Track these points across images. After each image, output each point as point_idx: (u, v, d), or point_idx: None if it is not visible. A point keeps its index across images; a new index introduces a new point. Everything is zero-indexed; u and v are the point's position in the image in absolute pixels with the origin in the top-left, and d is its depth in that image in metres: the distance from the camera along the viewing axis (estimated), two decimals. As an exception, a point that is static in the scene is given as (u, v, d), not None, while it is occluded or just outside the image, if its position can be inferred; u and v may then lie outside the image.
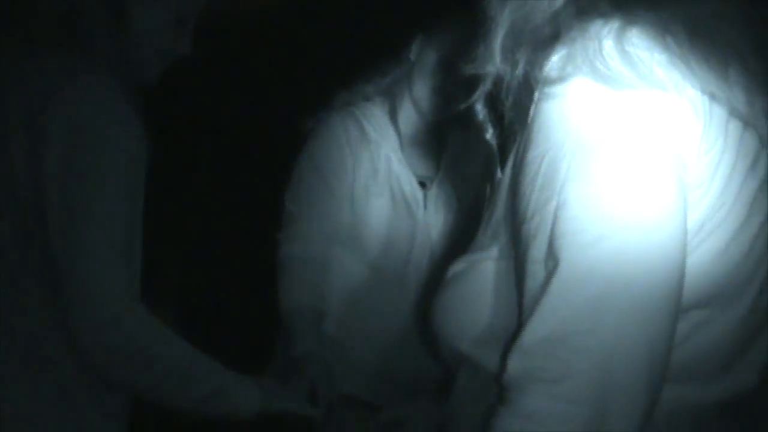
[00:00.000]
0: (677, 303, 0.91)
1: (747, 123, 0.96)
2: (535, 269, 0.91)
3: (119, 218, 1.44)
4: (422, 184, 2.13)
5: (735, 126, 0.96)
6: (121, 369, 1.46)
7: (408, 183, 2.10)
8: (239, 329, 2.98)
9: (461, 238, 2.07)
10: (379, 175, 2.08)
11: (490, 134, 2.21)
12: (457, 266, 1.07)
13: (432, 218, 2.12)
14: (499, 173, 2.15)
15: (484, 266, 1.03)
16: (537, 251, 0.91)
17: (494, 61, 1.02)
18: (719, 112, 0.95)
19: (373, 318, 2.08)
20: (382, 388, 2.03)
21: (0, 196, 1.49)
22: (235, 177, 3.15)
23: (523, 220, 0.94)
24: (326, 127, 2.13)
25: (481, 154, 2.24)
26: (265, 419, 1.61)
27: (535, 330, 0.89)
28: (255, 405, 1.58)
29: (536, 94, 0.97)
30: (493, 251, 1.03)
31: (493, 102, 1.07)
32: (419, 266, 2.08)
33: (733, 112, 0.95)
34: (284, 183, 2.13)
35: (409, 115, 2.13)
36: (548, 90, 0.95)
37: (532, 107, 0.97)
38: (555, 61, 0.96)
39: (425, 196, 2.13)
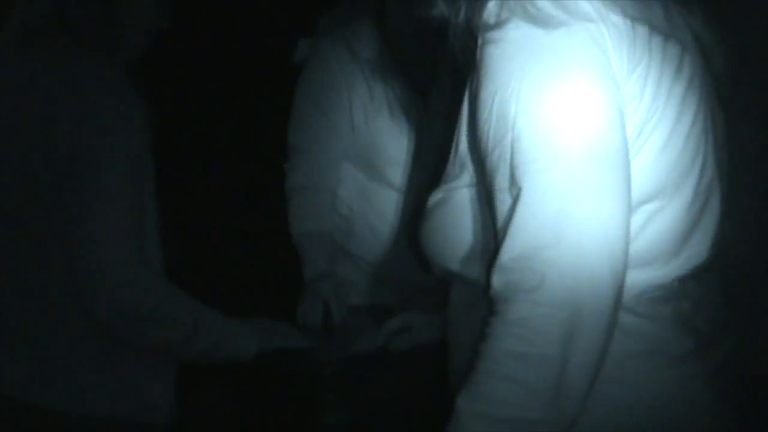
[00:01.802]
0: (627, 202, 1.03)
1: (667, 35, 1.09)
2: (503, 196, 1.04)
3: (127, 189, 1.55)
4: (421, 93, 2.15)
5: (657, 40, 1.08)
6: (132, 328, 1.57)
7: (405, 95, 2.12)
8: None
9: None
10: (375, 93, 2.11)
11: None
12: (435, 196, 1.19)
13: (435, 123, 2.11)
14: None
15: (458, 194, 1.15)
16: (501, 180, 1.04)
17: (438, 5, 1.14)
18: (642, 31, 1.07)
19: (383, 227, 2.16)
20: (391, 295, 2.13)
21: (15, 181, 1.60)
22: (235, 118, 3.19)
23: (485, 154, 1.07)
24: (317, 56, 2.15)
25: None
26: (264, 357, 1.71)
27: (509, 248, 1.02)
28: (253, 347, 1.69)
29: (479, 39, 1.08)
30: (464, 179, 1.15)
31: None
32: (427, 172, 2.07)
33: (654, 28, 1.08)
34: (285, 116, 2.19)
35: (398, 28, 2.12)
36: (489, 35, 1.06)
37: (477, 51, 1.08)
38: (491, 7, 1.07)
39: (425, 104, 2.14)
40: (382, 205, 2.15)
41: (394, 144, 2.13)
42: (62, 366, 1.63)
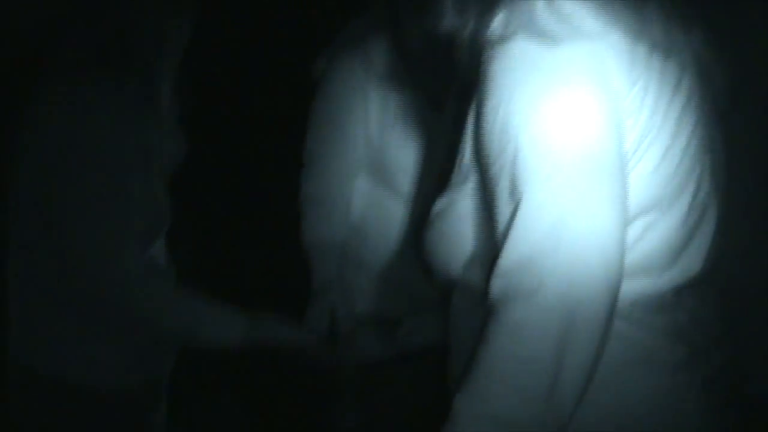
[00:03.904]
0: (624, 213, 1.07)
1: (667, 53, 1.12)
2: (503, 205, 1.08)
3: (113, 180, 1.63)
4: (436, 104, 2.15)
5: (657, 58, 1.12)
6: (109, 311, 1.66)
7: (419, 107, 2.14)
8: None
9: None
10: (390, 106, 2.14)
11: None
12: (439, 204, 1.23)
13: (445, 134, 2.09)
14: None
15: (462, 202, 1.19)
16: (503, 190, 1.08)
17: (447, 18, 1.18)
18: (642, 49, 1.11)
19: (394, 236, 2.18)
20: (399, 304, 2.15)
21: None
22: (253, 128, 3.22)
23: (487, 165, 1.11)
24: (334, 71, 2.18)
25: None
26: (256, 349, 1.72)
27: (508, 255, 1.05)
28: (237, 334, 1.71)
29: (485, 54, 1.12)
30: (468, 188, 1.19)
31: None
32: (434, 181, 2.08)
33: (654, 46, 1.11)
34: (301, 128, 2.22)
35: (410, 41, 2.11)
36: (494, 49, 1.10)
37: (483, 65, 1.13)
38: (497, 21, 1.11)
39: (439, 116, 2.14)
40: (393, 214, 2.18)
41: (407, 155, 2.16)
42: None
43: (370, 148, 2.17)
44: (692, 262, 1.19)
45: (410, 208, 2.17)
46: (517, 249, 1.05)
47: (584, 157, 1.05)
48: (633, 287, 1.13)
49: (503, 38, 1.09)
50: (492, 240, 1.12)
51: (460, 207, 1.19)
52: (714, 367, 1.20)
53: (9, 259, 1.75)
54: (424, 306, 1.92)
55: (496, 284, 1.06)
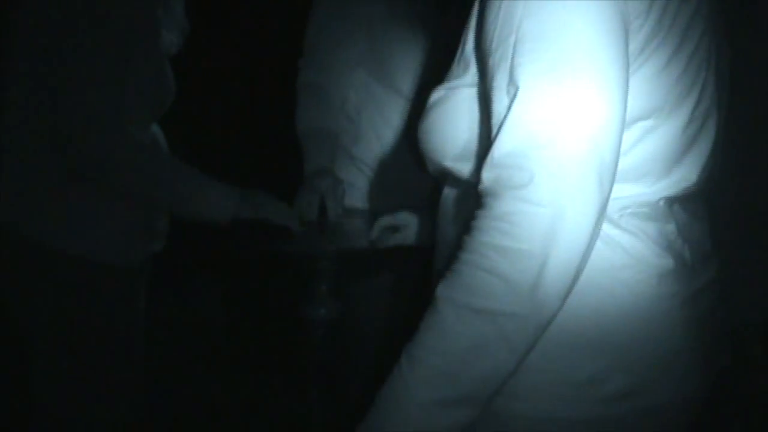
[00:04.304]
0: (622, 116, 1.05)
1: None
2: (500, 95, 1.06)
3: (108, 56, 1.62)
4: (443, 6, 2.17)
5: None
6: (105, 175, 1.66)
7: (426, 8, 2.14)
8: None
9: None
10: (397, 7, 2.13)
11: None
12: (437, 94, 1.22)
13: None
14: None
15: (459, 93, 1.18)
16: (501, 79, 1.06)
17: None
18: None
19: (389, 134, 2.18)
20: (389, 201, 2.13)
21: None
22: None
23: (488, 53, 1.08)
24: None
25: None
26: (245, 225, 1.74)
27: (501, 145, 1.04)
28: (228, 208, 1.72)
29: None
30: (466, 80, 1.17)
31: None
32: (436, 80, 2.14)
33: None
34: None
35: None
36: None
37: None
38: None
39: (444, 17, 2.16)
40: (390, 111, 2.17)
41: (410, 54, 2.14)
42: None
43: (371, 43, 2.15)
44: (688, 173, 1.18)
45: (408, 108, 2.16)
46: (510, 139, 1.03)
47: (585, 52, 1.02)
48: (625, 192, 1.13)
49: None
50: (486, 131, 1.11)
51: (457, 97, 1.18)
52: (699, 284, 1.20)
53: (4, 124, 1.74)
54: (415, 206, 1.91)
55: (487, 175, 1.05)
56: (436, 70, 2.10)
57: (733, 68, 1.27)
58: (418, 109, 2.09)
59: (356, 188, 2.19)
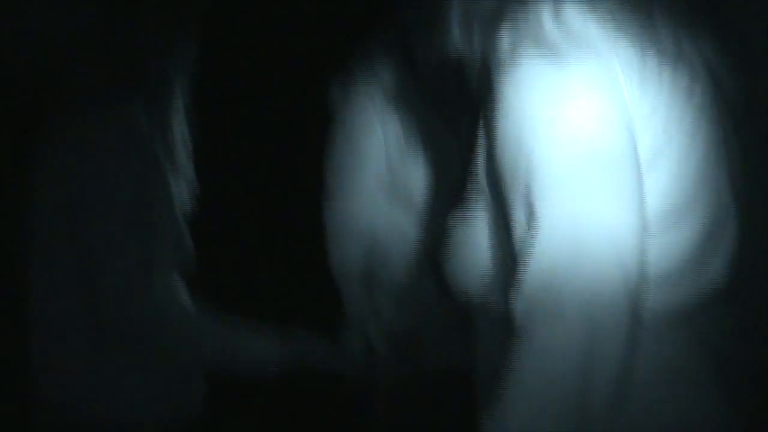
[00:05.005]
0: (641, 224, 1.06)
1: (677, 64, 1.12)
2: (518, 226, 1.08)
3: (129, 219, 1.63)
4: (452, 124, 2.14)
5: (667, 68, 1.11)
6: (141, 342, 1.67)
7: (437, 128, 2.14)
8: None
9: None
10: (409, 131, 2.16)
11: None
12: (454, 220, 1.24)
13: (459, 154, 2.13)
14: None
15: (477, 219, 1.20)
16: (518, 210, 1.08)
17: (454, 34, 1.18)
18: (651, 60, 1.10)
19: (410, 253, 2.18)
20: (415, 323, 2.16)
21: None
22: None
23: (502, 184, 1.10)
24: (350, 98, 2.19)
25: None
26: (294, 375, 1.71)
27: (530, 280, 1.05)
28: (274, 359, 1.69)
29: (494, 73, 1.12)
30: (480, 207, 1.20)
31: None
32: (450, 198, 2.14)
33: (663, 57, 1.11)
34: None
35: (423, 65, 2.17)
36: (503, 71, 1.10)
37: (493, 86, 1.12)
38: (505, 37, 1.11)
39: (456, 136, 2.13)
40: (410, 232, 2.19)
41: (423, 174, 2.17)
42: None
43: (389, 170, 2.18)
44: (716, 272, 1.17)
45: (423, 228, 2.18)
46: (537, 274, 1.04)
47: (599, 173, 1.04)
48: (655, 298, 1.12)
49: (512, 57, 1.09)
50: (506, 256, 1.12)
51: (476, 224, 1.19)
52: (743, 380, 1.18)
53: (31, 290, 1.75)
54: (442, 324, 1.92)
55: (519, 306, 1.06)
56: (447, 188, 2.18)
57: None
58: (431, 230, 2.15)
59: (385, 312, 2.18)
